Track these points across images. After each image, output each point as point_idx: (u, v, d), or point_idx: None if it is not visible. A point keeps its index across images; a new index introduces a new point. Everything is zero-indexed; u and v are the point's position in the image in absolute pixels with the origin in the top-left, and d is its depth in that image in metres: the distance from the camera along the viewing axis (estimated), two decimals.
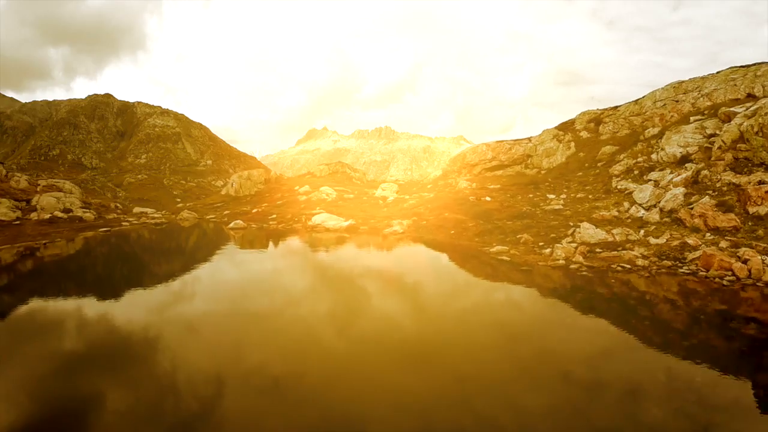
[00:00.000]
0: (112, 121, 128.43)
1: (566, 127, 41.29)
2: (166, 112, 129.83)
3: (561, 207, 27.49)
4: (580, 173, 34.19)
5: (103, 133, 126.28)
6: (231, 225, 30.68)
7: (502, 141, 41.08)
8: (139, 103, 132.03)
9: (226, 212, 41.89)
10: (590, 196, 29.80)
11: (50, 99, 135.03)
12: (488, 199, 28.59)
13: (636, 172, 31.29)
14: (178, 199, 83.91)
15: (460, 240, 22.67)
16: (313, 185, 46.81)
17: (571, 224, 23.63)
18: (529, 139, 41.40)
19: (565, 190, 31.48)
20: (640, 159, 32.86)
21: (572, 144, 38.86)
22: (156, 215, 44.94)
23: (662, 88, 39.89)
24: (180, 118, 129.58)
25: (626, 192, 28.82)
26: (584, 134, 39.79)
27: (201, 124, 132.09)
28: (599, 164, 35.05)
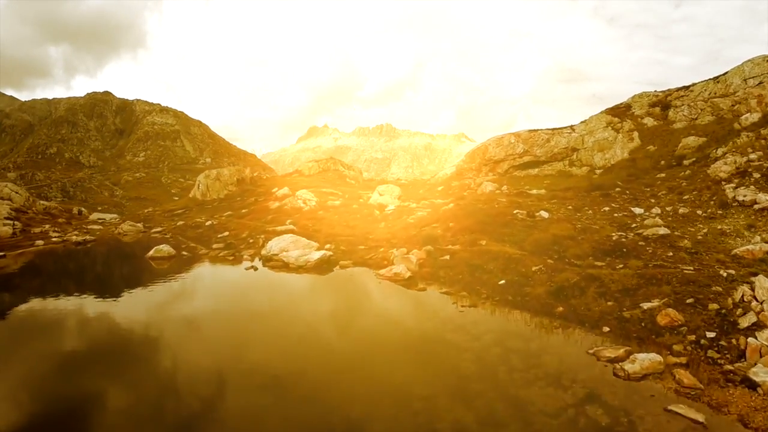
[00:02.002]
0: (111, 119, 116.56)
1: (620, 112, 29.03)
2: (165, 110, 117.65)
3: (667, 231, 15.25)
4: (662, 175, 21.96)
5: (101, 131, 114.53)
6: (151, 253, 18.61)
7: (535, 130, 28.85)
8: (138, 100, 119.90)
9: (180, 223, 29.78)
10: (699, 212, 17.53)
11: (50, 97, 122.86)
12: (544, 214, 16.46)
13: (757, 175, 19.12)
14: (176, 198, 72.15)
15: (522, 305, 10.75)
16: (295, 187, 34.68)
17: (724, 274, 11.47)
18: (572, 128, 29.13)
19: (651, 200, 19.23)
20: (752, 156, 20.62)
21: (635, 134, 26.64)
22: (95, 227, 33.04)
23: (751, 61, 27.45)
24: (179, 116, 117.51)
25: (759, 207, 16.77)
26: (649, 121, 27.52)
27: (200, 122, 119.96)
28: (685, 162, 22.76)
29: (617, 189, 20.48)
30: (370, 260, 15.18)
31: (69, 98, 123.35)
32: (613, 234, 14.82)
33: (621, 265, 12.49)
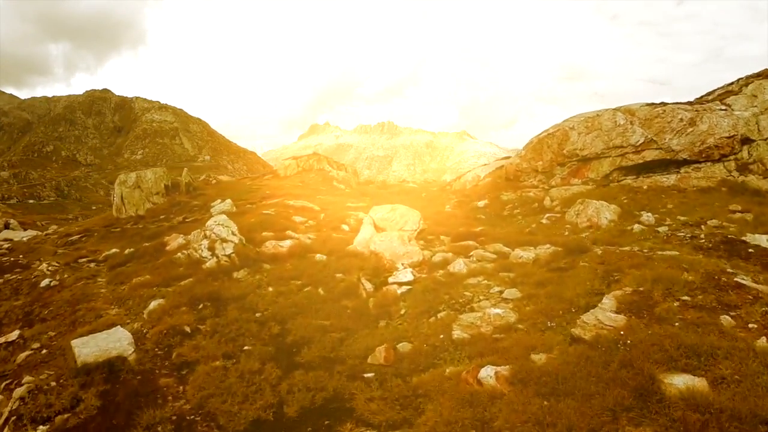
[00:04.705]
0: (109, 117, 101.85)
1: None
2: (164, 107, 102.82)
3: None
4: None
5: (99, 129, 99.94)
6: None
7: (664, 105, 14.01)
8: (137, 98, 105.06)
9: (39, 266, 15.54)
10: None
11: (50, 95, 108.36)
12: None
13: None
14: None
15: None
16: (250, 197, 20.36)
17: None
18: (722, 101, 14.59)
19: None
20: None
21: None
22: None
23: None
24: (178, 113, 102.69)
25: None
26: None
27: (200, 119, 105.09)
28: None
29: None
30: None
31: (68, 96, 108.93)
32: None
33: None
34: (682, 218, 10.00)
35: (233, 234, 9.91)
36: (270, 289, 8.23)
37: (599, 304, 5.48)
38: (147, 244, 13.42)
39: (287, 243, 10.20)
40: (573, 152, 14.49)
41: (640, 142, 13.36)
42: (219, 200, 18.89)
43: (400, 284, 7.21)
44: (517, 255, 7.87)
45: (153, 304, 8.22)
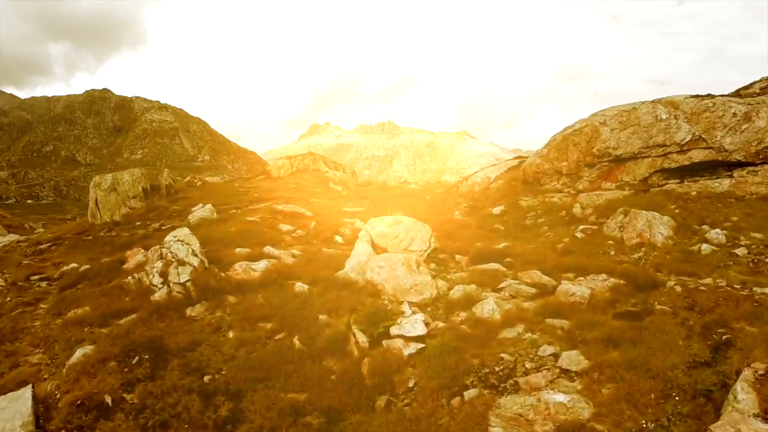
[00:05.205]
0: (109, 117, 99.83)
1: None
2: (164, 107, 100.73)
3: None
4: None
5: (99, 129, 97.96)
6: None
7: (712, 97, 11.44)
8: (137, 97, 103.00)
9: None
10: None
11: (50, 95, 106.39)
12: None
13: None
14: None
15: None
16: (237, 200, 18.20)
17: None
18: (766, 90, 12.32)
19: None
20: None
21: None
22: None
23: None
24: (178, 113, 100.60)
25: None
26: None
27: (200, 119, 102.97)
28: None
29: None
30: None
31: (68, 96, 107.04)
32: None
33: None
34: (757, 236, 7.78)
35: (193, 254, 7.70)
36: (230, 334, 6.04)
37: (734, 403, 3.26)
38: (106, 259, 11.23)
39: (262, 265, 7.99)
40: (604, 151, 12.25)
41: (686, 140, 11.12)
42: (200, 205, 16.73)
43: (408, 339, 5.01)
44: (567, 291, 5.66)
45: (78, 354, 6.04)
